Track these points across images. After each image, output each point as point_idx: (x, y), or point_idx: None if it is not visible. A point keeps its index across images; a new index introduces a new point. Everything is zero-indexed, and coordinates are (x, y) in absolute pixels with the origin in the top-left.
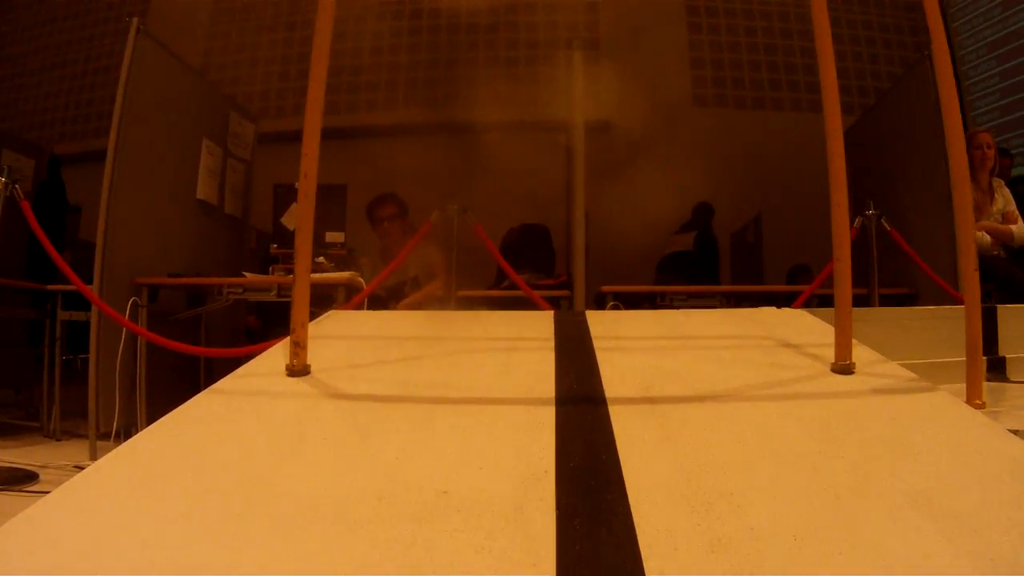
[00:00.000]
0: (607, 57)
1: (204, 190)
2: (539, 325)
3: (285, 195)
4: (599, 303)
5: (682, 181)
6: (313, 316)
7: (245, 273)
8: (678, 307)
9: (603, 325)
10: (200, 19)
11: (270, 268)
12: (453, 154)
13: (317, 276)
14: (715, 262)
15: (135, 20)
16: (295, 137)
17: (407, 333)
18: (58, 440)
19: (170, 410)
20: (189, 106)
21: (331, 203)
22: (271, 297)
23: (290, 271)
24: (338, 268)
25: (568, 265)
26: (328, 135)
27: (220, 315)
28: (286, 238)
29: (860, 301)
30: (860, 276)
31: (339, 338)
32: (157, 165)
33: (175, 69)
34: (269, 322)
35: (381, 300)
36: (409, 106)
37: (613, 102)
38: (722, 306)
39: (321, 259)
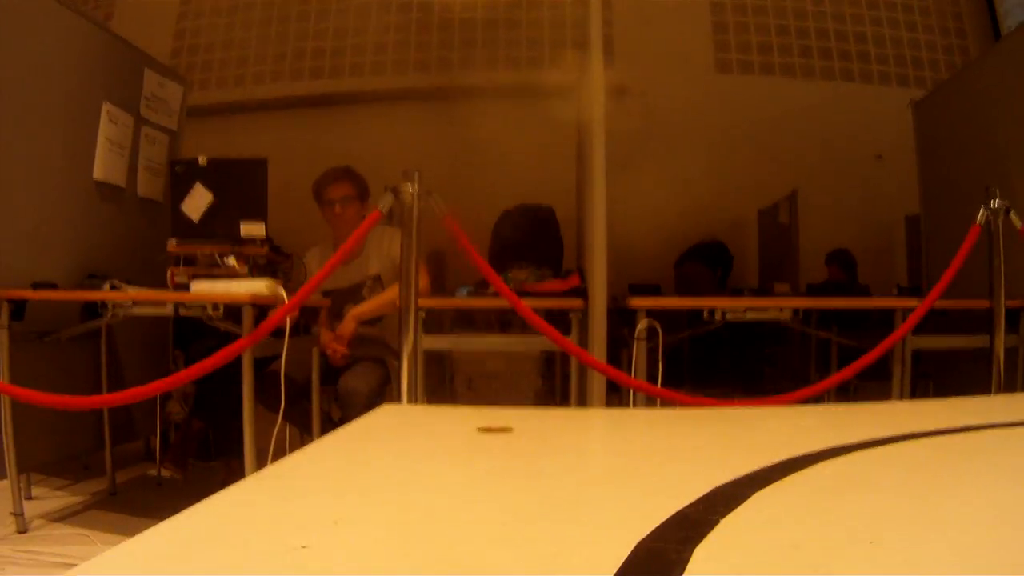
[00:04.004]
0: (620, 20)
1: (104, 168)
2: None
3: (186, 174)
4: (625, 320)
5: (705, 154)
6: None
7: (126, 287)
8: (731, 321)
9: None
10: None
11: (168, 272)
12: (437, 123)
13: (220, 290)
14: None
15: None
16: (273, 106)
17: None
18: None
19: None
20: (82, 62)
21: (246, 183)
22: (167, 312)
23: (195, 275)
24: (257, 274)
25: (580, 260)
26: (302, 103)
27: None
28: (189, 231)
29: (980, 321)
30: (976, 284)
31: None
32: (33, 138)
33: (59, 16)
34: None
35: (330, 310)
36: (397, 72)
37: (628, 67)
38: (796, 325)
39: (231, 260)
